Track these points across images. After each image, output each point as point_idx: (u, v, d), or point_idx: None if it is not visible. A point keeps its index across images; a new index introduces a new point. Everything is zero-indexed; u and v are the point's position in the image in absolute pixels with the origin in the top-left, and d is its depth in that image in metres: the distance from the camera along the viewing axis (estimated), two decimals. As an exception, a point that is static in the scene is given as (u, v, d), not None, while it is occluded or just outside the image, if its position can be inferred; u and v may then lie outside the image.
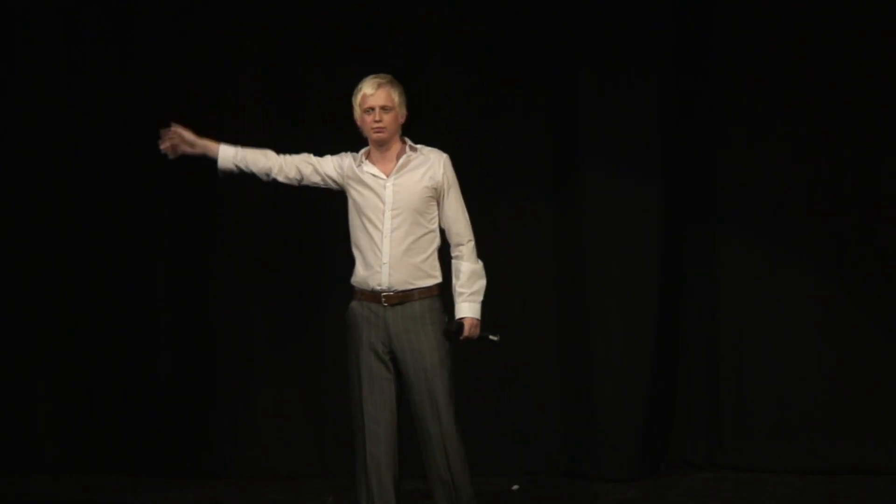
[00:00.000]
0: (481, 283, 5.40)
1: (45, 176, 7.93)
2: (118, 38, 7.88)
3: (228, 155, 5.44)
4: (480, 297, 5.39)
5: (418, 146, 5.40)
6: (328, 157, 5.46)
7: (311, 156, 5.47)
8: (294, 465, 7.81)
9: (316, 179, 5.45)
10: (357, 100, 5.35)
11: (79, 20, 7.91)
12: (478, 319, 5.37)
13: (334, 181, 5.43)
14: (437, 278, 5.35)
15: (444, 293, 5.39)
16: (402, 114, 5.36)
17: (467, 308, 5.36)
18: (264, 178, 5.46)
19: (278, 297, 7.86)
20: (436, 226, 5.37)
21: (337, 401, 7.76)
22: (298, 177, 5.45)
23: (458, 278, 5.39)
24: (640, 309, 7.58)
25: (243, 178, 5.54)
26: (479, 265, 5.40)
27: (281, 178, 5.46)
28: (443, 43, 7.65)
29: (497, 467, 7.36)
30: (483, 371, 7.56)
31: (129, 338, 7.92)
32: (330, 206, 7.75)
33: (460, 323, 5.34)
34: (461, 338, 5.35)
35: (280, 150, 7.73)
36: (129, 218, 7.90)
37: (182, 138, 5.44)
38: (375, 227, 5.30)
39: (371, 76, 5.39)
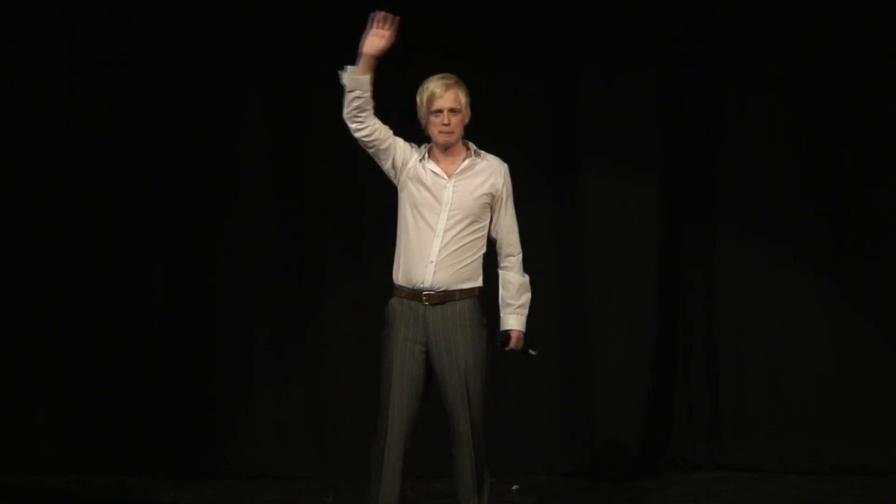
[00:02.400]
0: (528, 297, 5.40)
1: (46, 176, 7.92)
2: (119, 38, 7.88)
3: (365, 84, 5.19)
4: (526, 311, 5.40)
5: (481, 152, 5.36)
6: (401, 142, 5.32)
7: (391, 132, 5.30)
8: (294, 465, 7.81)
9: (383, 155, 5.28)
10: (423, 100, 5.27)
11: (79, 20, 7.90)
12: (523, 332, 5.37)
13: (394, 167, 5.32)
14: (478, 282, 5.32)
15: (482, 297, 5.35)
16: (467, 115, 5.32)
17: (515, 321, 5.36)
18: (350, 112, 5.22)
19: (278, 298, 7.86)
20: (485, 232, 5.33)
21: (337, 401, 7.80)
22: (372, 140, 5.24)
23: (506, 289, 5.38)
24: (640, 309, 7.58)
25: (342, 90, 5.25)
26: (526, 279, 5.40)
27: (360, 131, 5.23)
28: (442, 41, 7.65)
29: (497, 467, 7.33)
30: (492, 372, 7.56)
31: (129, 338, 7.91)
32: (330, 206, 7.80)
33: (507, 334, 5.36)
34: (506, 349, 5.36)
35: (281, 150, 7.84)
36: (129, 218, 7.90)
37: (388, 41, 5.18)
38: (429, 225, 5.25)
39: (438, 76, 5.30)
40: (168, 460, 7.82)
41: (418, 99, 5.30)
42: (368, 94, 5.21)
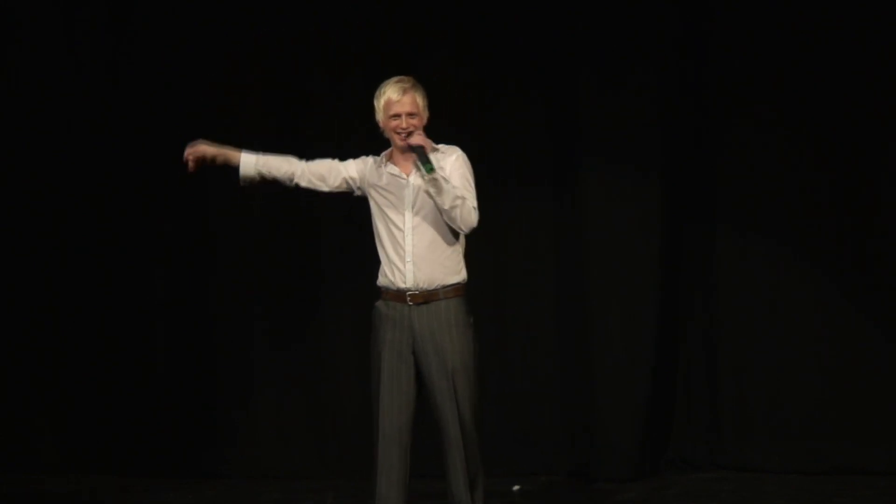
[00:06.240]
0: (454, 189, 5.21)
1: (46, 176, 7.93)
2: (119, 38, 7.89)
3: (250, 162, 5.42)
4: (446, 183, 5.19)
5: (439, 145, 5.36)
6: (350, 161, 5.44)
7: (335, 160, 5.44)
8: (294, 465, 7.82)
9: (338, 182, 5.41)
10: (381, 104, 5.31)
11: (79, 20, 7.91)
12: (428, 150, 5.19)
13: (357, 184, 5.40)
14: (462, 276, 5.34)
15: (469, 294, 5.36)
16: (425, 117, 5.34)
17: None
18: (288, 183, 5.43)
19: (278, 298, 7.86)
20: None
21: (337, 401, 7.81)
22: (321, 181, 5.42)
23: None
24: (640, 309, 7.58)
25: (266, 186, 5.51)
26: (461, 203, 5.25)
27: (304, 183, 5.42)
28: (443, 41, 7.65)
29: (498, 468, 7.34)
30: (483, 371, 7.56)
31: (129, 338, 7.92)
32: (330, 206, 7.80)
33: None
34: (413, 135, 5.20)
35: (281, 149, 7.82)
36: (129, 218, 7.90)
37: (202, 153, 5.39)
38: (397, 226, 5.29)
39: (394, 80, 5.32)
40: (168, 460, 7.83)
41: (376, 103, 5.34)
42: (264, 171, 5.40)
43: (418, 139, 5.23)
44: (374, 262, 7.79)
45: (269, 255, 7.87)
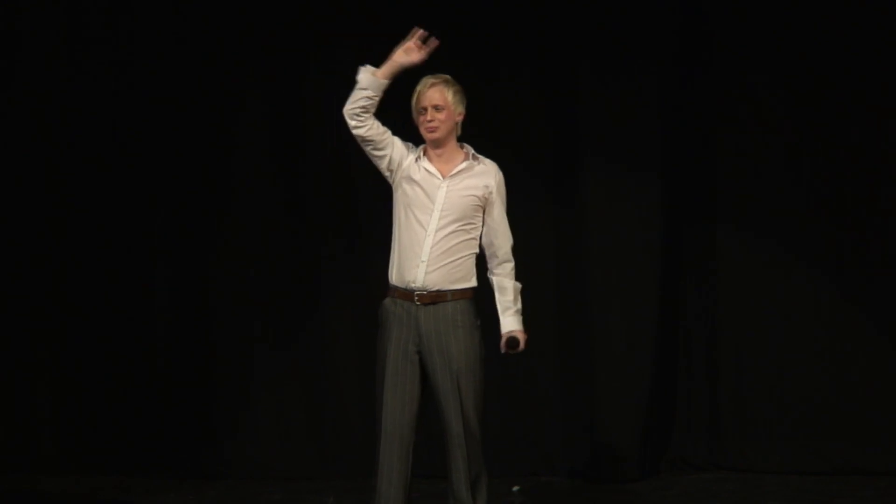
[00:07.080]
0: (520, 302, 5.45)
1: (45, 175, 7.92)
2: (119, 37, 7.88)
3: (380, 88, 5.26)
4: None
5: (480, 156, 5.39)
6: (398, 141, 5.37)
7: (389, 131, 5.36)
8: (294, 465, 7.81)
9: (381, 154, 5.33)
10: (413, 99, 5.34)
11: (79, 20, 7.90)
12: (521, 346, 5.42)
13: (392, 166, 5.35)
14: (472, 283, 5.34)
15: (477, 297, 5.36)
16: (457, 112, 5.35)
17: (516, 322, 5.40)
18: (354, 109, 5.28)
19: (278, 298, 7.86)
20: (478, 234, 5.36)
21: (337, 401, 7.80)
22: (371, 142, 5.31)
23: (504, 294, 5.39)
24: (640, 309, 7.58)
25: (356, 94, 5.29)
26: (520, 286, 5.44)
27: (364, 131, 5.27)
28: (442, 39, 7.63)
29: (498, 468, 7.34)
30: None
31: (129, 337, 7.91)
32: (330, 206, 7.80)
33: (516, 338, 5.37)
34: (518, 349, 5.37)
35: (281, 149, 7.83)
36: (129, 218, 7.89)
37: (415, 55, 5.31)
38: (420, 224, 5.28)
39: (428, 75, 5.36)
40: (168, 460, 7.82)
41: (411, 100, 5.37)
42: (377, 98, 5.28)
43: (524, 344, 5.38)
44: (373, 263, 7.80)
45: (269, 254, 7.86)
